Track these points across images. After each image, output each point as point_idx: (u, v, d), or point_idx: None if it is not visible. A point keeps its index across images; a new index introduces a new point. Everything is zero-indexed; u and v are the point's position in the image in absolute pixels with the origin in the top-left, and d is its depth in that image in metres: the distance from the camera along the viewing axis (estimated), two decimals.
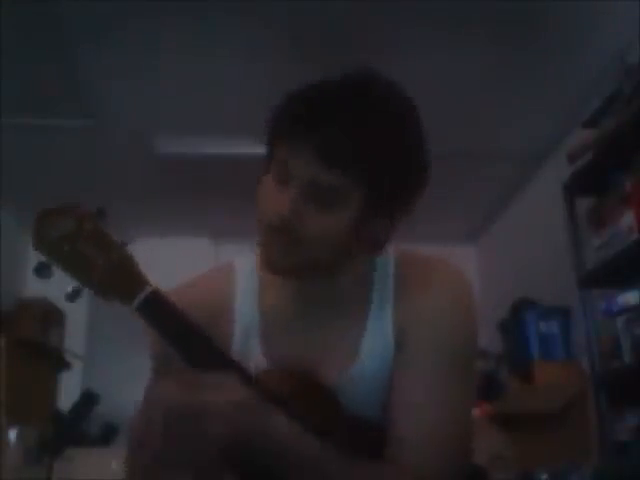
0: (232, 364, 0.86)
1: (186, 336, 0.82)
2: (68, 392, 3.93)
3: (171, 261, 3.47)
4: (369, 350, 0.96)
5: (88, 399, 3.37)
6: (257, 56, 2.81)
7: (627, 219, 2.34)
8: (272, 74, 2.92)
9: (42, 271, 0.81)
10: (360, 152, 0.83)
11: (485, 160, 3.63)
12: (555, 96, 3.06)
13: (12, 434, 3.29)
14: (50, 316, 4.12)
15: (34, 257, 0.81)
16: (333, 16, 2.56)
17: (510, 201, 4.17)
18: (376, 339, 0.96)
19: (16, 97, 2.97)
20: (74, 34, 2.65)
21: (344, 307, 0.98)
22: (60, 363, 4.15)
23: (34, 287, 4.33)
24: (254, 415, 0.77)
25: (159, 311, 0.80)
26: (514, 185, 3.99)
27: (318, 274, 0.94)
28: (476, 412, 3.40)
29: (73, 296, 0.81)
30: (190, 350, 0.82)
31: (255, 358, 0.97)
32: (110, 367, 4.33)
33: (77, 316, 4.40)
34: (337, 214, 0.86)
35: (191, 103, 3.16)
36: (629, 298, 2.36)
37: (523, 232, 4.00)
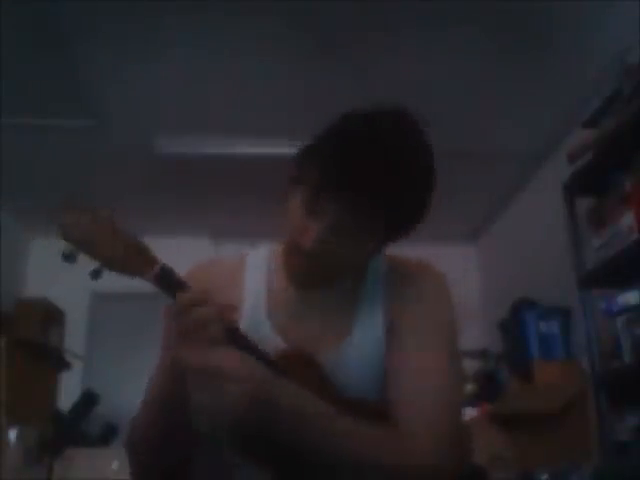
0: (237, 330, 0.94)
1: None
2: (68, 392, 3.93)
3: (171, 261, 3.46)
4: (360, 334, 1.05)
5: (88, 399, 3.38)
6: (257, 56, 2.81)
7: (627, 219, 2.34)
8: (272, 74, 2.92)
9: (69, 257, 0.92)
10: (387, 203, 0.93)
11: (485, 160, 3.63)
12: (555, 96, 3.06)
13: (12, 434, 3.29)
14: (50, 316, 4.12)
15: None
16: (334, 16, 2.56)
17: (510, 201, 4.18)
18: (367, 325, 1.06)
19: (16, 97, 2.97)
20: (74, 34, 2.65)
21: (340, 296, 1.08)
22: (60, 363, 4.15)
23: (34, 287, 4.34)
24: (265, 381, 0.82)
25: (170, 283, 0.92)
26: (514, 185, 3.99)
27: (331, 282, 1.06)
28: (476, 412, 3.40)
29: (96, 274, 0.92)
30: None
31: (266, 333, 1.04)
32: (110, 367, 4.33)
33: (77, 316, 4.41)
34: (359, 244, 0.98)
35: (191, 103, 3.16)
36: (629, 298, 2.36)
37: (523, 232, 4.00)
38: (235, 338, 0.89)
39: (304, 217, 0.96)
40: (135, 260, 0.92)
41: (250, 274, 1.11)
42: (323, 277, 1.04)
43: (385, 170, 0.91)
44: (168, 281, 0.92)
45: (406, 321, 1.03)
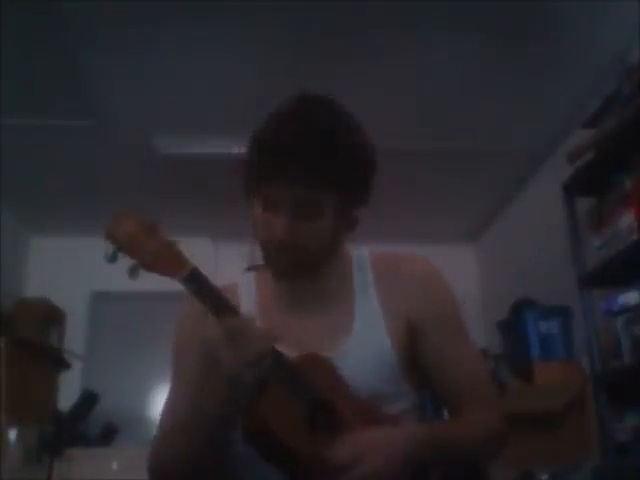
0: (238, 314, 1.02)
1: (217, 301, 1.00)
2: (68, 392, 3.92)
3: None
4: (360, 329, 1.13)
5: (88, 399, 3.38)
6: (257, 56, 2.81)
7: (627, 219, 2.34)
8: (272, 74, 2.92)
9: (111, 258, 0.99)
10: (330, 176, 1.05)
11: (485, 160, 3.63)
12: (555, 96, 3.06)
13: (12, 434, 3.29)
14: (50, 316, 4.12)
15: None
16: (333, 17, 2.56)
17: (510, 201, 4.17)
18: (365, 319, 1.13)
19: (16, 97, 2.97)
20: (74, 34, 2.65)
21: (330, 294, 1.17)
22: (60, 363, 4.15)
23: (34, 287, 4.34)
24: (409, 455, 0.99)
25: (199, 283, 1.00)
26: (514, 185, 3.99)
27: (314, 271, 1.14)
28: None
29: (133, 273, 1.00)
30: (219, 311, 0.99)
31: None
32: (110, 367, 4.33)
33: (77, 316, 4.40)
34: (321, 221, 1.08)
35: (191, 103, 3.16)
36: (629, 298, 2.36)
37: (523, 232, 4.00)
38: (278, 359, 0.98)
39: (265, 217, 1.09)
40: (168, 262, 1.00)
41: (244, 291, 1.21)
42: (306, 267, 1.11)
43: (321, 152, 1.04)
44: (196, 284, 0.99)
45: (430, 316, 1.14)
